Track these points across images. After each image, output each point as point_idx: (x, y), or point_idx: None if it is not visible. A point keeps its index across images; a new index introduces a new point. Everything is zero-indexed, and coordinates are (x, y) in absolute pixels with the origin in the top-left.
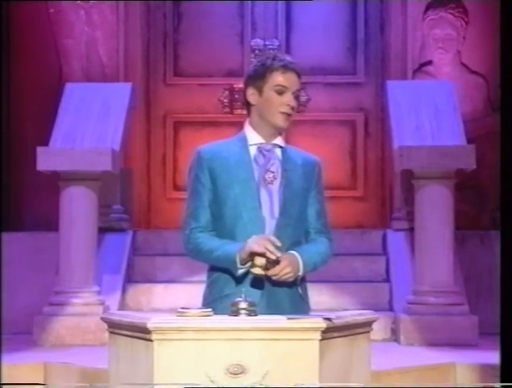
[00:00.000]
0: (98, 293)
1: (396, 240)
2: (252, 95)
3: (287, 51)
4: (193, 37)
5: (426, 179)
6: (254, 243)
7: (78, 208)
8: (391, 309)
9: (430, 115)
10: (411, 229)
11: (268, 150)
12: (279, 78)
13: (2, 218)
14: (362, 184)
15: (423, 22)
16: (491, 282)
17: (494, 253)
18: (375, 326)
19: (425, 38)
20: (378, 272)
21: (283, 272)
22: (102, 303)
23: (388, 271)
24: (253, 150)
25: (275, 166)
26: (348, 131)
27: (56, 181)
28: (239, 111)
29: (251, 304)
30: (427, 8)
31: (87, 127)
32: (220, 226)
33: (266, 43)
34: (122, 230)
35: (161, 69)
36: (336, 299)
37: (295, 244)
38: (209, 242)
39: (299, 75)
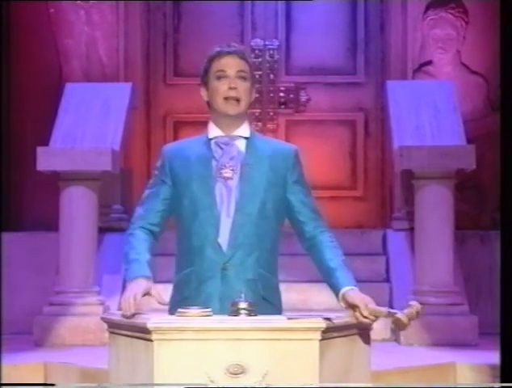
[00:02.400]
0: (98, 293)
1: (396, 240)
2: (202, 93)
3: (287, 51)
4: (193, 37)
5: (426, 179)
6: (123, 298)
7: (78, 208)
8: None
9: (430, 115)
10: (411, 229)
11: (226, 143)
12: (216, 65)
13: (2, 218)
14: (362, 184)
15: (423, 22)
16: (491, 282)
17: (494, 253)
18: (375, 326)
19: (425, 38)
20: (378, 271)
21: (368, 319)
22: (103, 303)
23: (388, 271)
24: (213, 144)
25: (235, 160)
26: (348, 131)
27: (56, 181)
28: None
29: (251, 304)
30: (427, 8)
31: (87, 127)
32: (181, 227)
33: (266, 43)
34: (122, 230)
35: (161, 69)
36: (336, 299)
37: (258, 241)
38: (132, 245)
39: (241, 56)
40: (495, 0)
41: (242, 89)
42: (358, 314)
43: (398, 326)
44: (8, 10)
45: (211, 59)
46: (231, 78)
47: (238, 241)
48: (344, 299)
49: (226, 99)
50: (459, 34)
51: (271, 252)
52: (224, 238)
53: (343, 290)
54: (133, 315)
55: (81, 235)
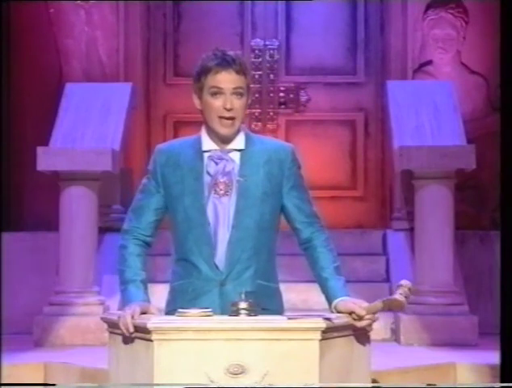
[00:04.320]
0: (98, 293)
1: (396, 240)
2: (195, 100)
3: (287, 51)
4: (193, 37)
5: (426, 179)
6: (121, 317)
7: (78, 208)
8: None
9: (430, 116)
10: (411, 229)
11: (220, 158)
12: (212, 80)
13: (2, 218)
14: (362, 184)
15: (423, 22)
16: (491, 282)
17: (494, 253)
18: (375, 326)
19: (425, 38)
20: (378, 271)
21: (367, 320)
22: (102, 303)
23: (388, 271)
24: (206, 158)
25: (230, 176)
26: (348, 131)
27: (56, 181)
28: None
29: (251, 304)
30: (427, 8)
31: (87, 127)
32: (176, 236)
33: (266, 43)
34: None
35: (161, 69)
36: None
37: (255, 254)
38: (127, 263)
39: (240, 71)
40: (495, 0)
41: (238, 107)
42: (356, 318)
43: (397, 307)
44: (8, 10)
45: (207, 71)
46: (226, 96)
47: (236, 256)
48: (337, 310)
49: (219, 117)
50: (459, 34)
51: (269, 260)
52: (220, 256)
53: (334, 303)
54: (133, 333)
55: (81, 235)
